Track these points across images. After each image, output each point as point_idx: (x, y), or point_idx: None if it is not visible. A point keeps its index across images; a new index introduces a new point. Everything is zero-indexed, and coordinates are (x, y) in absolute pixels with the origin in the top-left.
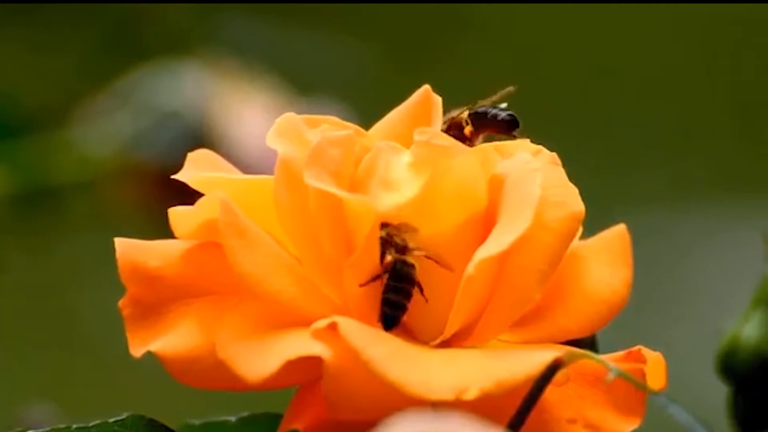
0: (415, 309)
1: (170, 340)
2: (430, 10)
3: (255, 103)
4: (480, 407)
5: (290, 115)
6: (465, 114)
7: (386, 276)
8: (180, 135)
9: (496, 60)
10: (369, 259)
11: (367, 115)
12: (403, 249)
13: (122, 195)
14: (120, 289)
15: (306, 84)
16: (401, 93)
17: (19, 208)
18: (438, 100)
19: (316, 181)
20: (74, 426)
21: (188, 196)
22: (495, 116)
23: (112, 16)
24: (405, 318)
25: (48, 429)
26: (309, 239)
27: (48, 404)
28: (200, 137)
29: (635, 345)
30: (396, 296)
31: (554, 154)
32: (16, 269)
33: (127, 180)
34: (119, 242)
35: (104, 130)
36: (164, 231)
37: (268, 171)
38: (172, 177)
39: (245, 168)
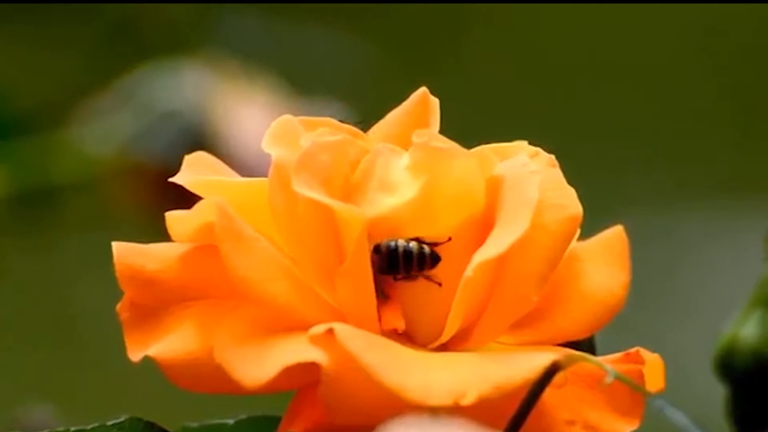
0: (413, 312)
1: (168, 344)
2: (430, 9)
3: (255, 103)
4: (478, 411)
5: (286, 118)
6: None
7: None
8: (180, 135)
9: (496, 60)
10: (359, 267)
11: (367, 115)
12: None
13: (122, 195)
14: (120, 290)
15: (306, 84)
16: (402, 93)
17: (19, 207)
18: (435, 101)
19: (303, 189)
20: (72, 429)
21: (188, 196)
22: None
23: (112, 16)
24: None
25: (46, 431)
26: (304, 244)
27: (47, 406)
28: (200, 137)
29: (635, 346)
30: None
31: (552, 157)
32: (15, 269)
33: (127, 179)
34: (116, 246)
35: (104, 130)
36: (165, 231)
37: (268, 171)
38: (170, 180)
39: (245, 168)
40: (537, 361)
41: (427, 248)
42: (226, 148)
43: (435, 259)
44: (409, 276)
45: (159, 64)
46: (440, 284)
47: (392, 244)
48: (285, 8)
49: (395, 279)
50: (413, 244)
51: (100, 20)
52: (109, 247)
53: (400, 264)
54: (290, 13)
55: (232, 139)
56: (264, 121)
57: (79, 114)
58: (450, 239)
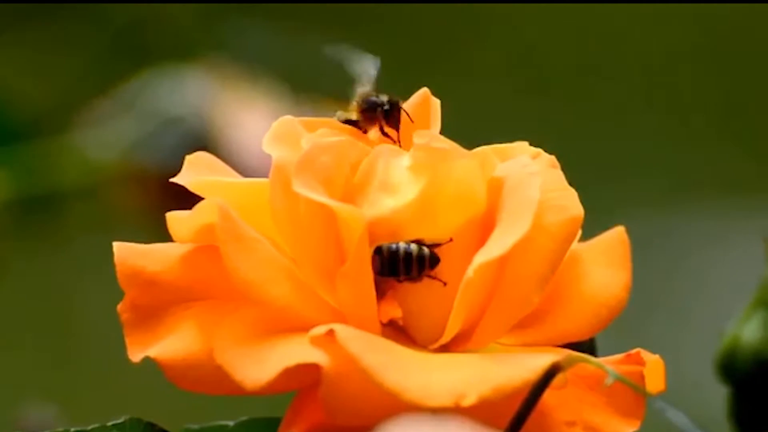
0: (414, 313)
1: (168, 344)
2: (431, 10)
3: (258, 109)
4: (479, 412)
5: (287, 119)
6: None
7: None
8: (183, 140)
9: (496, 61)
10: (360, 268)
11: None
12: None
13: (125, 200)
14: (121, 293)
15: (309, 89)
16: (402, 94)
17: (22, 212)
18: (437, 102)
19: (304, 190)
20: (72, 429)
21: (190, 201)
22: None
23: (116, 22)
24: (403, 322)
25: None
26: (305, 245)
27: (47, 407)
28: (203, 142)
29: (636, 347)
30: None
31: (553, 157)
32: (18, 273)
33: (130, 185)
34: (117, 246)
35: (107, 135)
36: (167, 236)
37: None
38: (171, 180)
39: (247, 173)
40: (537, 362)
41: (426, 249)
42: (229, 154)
43: (434, 260)
44: (410, 277)
45: (162, 69)
46: (445, 283)
47: (393, 246)
48: (287, 13)
49: (398, 281)
50: (413, 246)
51: (103, 26)
52: (111, 251)
53: (400, 267)
54: (292, 19)
55: (234, 145)
56: (266, 127)
57: (82, 119)
58: (451, 240)
